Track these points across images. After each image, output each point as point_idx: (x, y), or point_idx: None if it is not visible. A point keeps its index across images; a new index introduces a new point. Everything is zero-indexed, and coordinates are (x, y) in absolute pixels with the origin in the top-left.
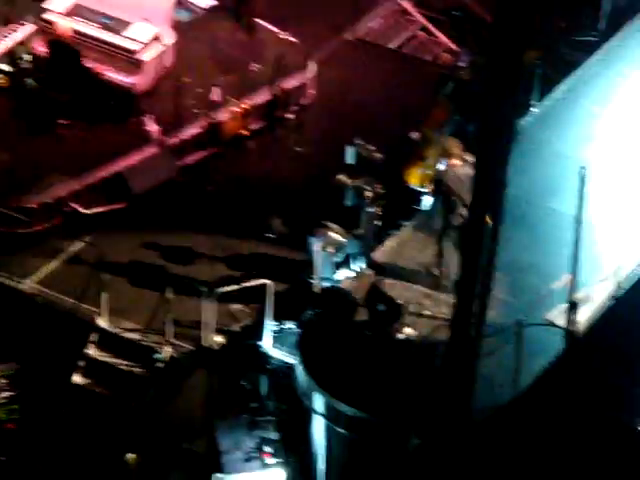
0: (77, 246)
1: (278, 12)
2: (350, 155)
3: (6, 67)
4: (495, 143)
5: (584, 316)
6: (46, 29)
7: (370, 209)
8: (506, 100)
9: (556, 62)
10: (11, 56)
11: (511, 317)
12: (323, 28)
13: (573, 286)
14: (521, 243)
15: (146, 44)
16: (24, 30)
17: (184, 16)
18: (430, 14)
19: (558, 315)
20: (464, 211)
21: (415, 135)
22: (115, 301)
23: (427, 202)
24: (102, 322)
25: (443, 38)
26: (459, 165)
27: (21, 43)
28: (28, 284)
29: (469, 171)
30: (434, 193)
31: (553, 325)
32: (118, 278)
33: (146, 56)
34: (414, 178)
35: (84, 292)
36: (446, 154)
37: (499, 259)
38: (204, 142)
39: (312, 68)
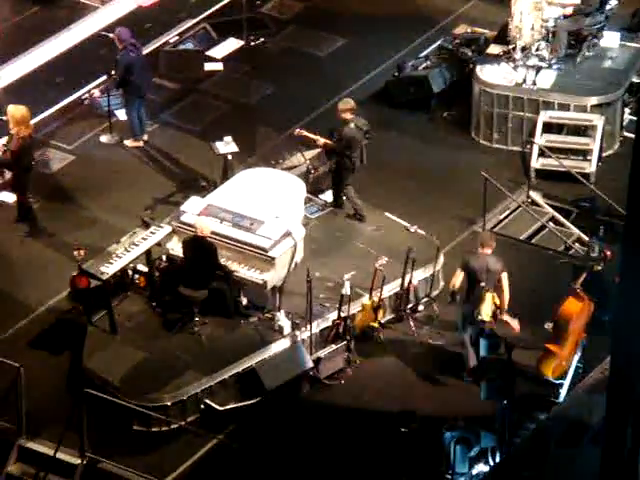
0: (212, 443)
1: (408, 206)
2: (483, 347)
3: (143, 267)
4: (631, 336)
5: None
6: (181, 230)
7: (504, 403)
8: None
9: None
10: (148, 257)
11: None
12: (454, 221)
13: None
14: None
15: (277, 241)
16: (161, 232)
17: (313, 212)
18: (559, 205)
19: None
20: None
21: (548, 325)
22: None
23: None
24: None
25: (573, 228)
26: None
27: (158, 244)
28: None
29: None
30: None
31: None
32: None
33: (277, 253)
34: (549, 370)
35: None
36: None
37: None
38: (335, 335)
39: (441, 260)
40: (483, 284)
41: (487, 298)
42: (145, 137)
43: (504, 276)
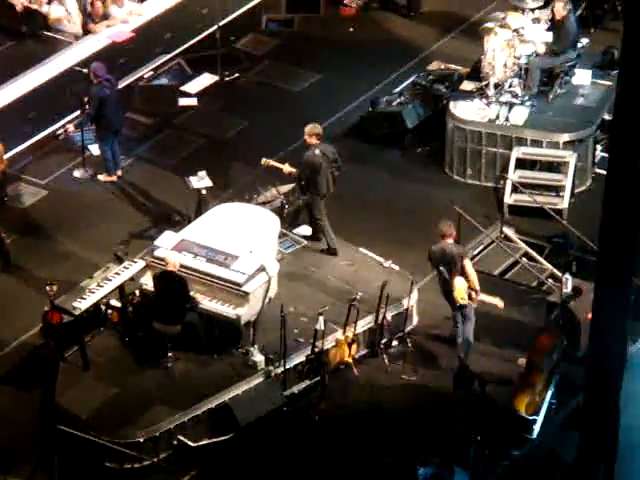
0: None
1: (382, 241)
2: (457, 383)
3: (116, 302)
4: (604, 373)
5: None
6: (155, 265)
7: (478, 438)
8: (615, 324)
9: None
10: (121, 292)
11: None
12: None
13: None
14: (636, 474)
15: (251, 276)
16: (135, 267)
17: (287, 247)
18: (532, 240)
19: None
20: None
21: (521, 361)
22: None
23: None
24: None
25: (546, 264)
26: None
27: (131, 279)
28: None
29: None
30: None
31: None
32: None
33: (251, 287)
34: (522, 406)
35: None
36: None
37: None
38: (309, 370)
39: (415, 295)
40: (443, 270)
41: (456, 285)
42: (119, 173)
43: (466, 262)
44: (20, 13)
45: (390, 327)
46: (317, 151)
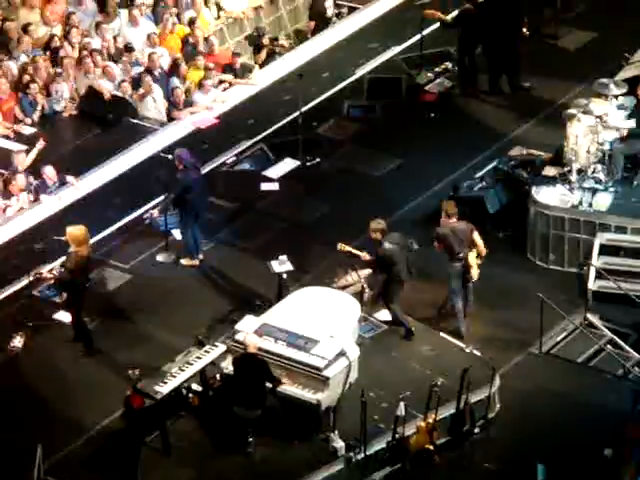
0: None
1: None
2: (541, 472)
3: (197, 386)
4: None
5: None
6: (236, 349)
7: None
8: None
9: None
10: (202, 376)
11: None
12: (510, 343)
13: None
14: None
15: (331, 360)
16: (216, 351)
17: (368, 331)
18: (617, 328)
19: None
20: None
21: (608, 452)
22: None
23: None
24: None
25: (632, 352)
26: None
27: (212, 363)
28: None
29: None
30: None
31: None
32: None
33: (332, 372)
34: None
35: None
36: None
37: None
38: (390, 457)
39: (497, 382)
40: (460, 253)
41: (472, 261)
42: (201, 257)
43: (476, 234)
44: (107, 101)
45: (472, 413)
46: (387, 245)
